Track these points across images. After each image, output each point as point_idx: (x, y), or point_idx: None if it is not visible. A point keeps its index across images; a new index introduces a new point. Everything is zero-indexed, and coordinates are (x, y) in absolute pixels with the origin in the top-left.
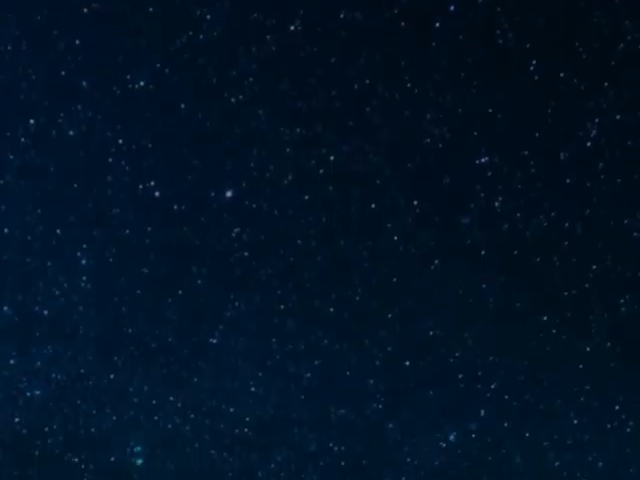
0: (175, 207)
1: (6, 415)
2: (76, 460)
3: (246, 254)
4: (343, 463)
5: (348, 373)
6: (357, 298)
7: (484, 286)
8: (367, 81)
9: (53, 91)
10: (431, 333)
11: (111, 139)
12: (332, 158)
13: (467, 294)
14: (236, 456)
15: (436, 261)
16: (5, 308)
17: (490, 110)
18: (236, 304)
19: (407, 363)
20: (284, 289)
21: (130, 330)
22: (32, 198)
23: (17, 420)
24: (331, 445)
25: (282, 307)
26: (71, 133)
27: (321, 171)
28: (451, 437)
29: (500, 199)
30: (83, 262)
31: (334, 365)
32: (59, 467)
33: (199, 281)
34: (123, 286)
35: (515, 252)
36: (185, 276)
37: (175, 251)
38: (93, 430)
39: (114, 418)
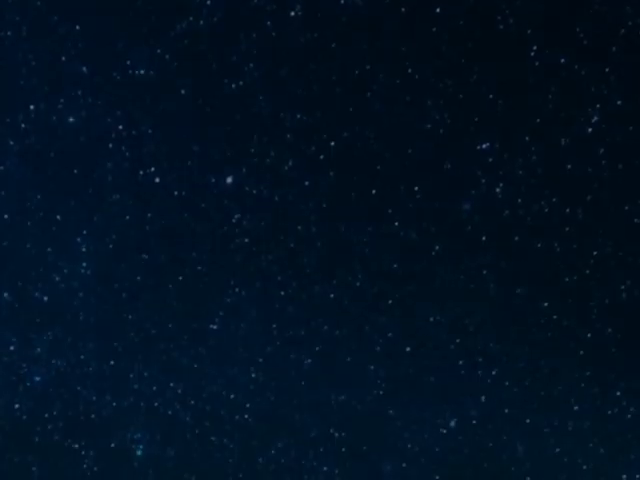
0: (175, 193)
1: (6, 401)
2: (76, 446)
3: (246, 240)
4: (343, 449)
5: (348, 359)
6: (357, 284)
7: (485, 272)
8: (368, 67)
9: (53, 77)
10: (432, 319)
11: (111, 125)
12: (332, 144)
13: (468, 280)
14: (236, 442)
15: (437, 247)
16: (5, 294)
17: (491, 96)
18: (236, 290)
19: (408, 349)
20: (284, 275)
21: (130, 316)
22: (32, 184)
23: (17, 406)
24: (332, 431)
25: (282, 293)
26: (71, 119)
27: (321, 157)
28: (452, 423)
29: (501, 185)
30: (83, 248)
31: (334, 351)
32: (59, 453)
33: (199, 267)
34: (123, 272)
35: (516, 238)
36: (185, 262)
37: (175, 237)
38: (93, 416)
39: (114, 404)
